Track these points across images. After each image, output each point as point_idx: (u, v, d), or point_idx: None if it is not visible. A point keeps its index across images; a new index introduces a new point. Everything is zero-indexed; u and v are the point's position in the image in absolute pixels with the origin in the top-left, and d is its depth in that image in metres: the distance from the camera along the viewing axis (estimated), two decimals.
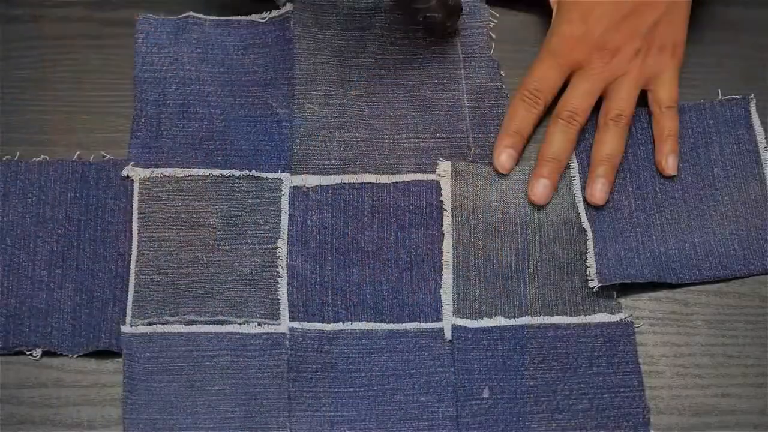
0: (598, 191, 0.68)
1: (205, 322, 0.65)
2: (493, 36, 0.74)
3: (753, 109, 0.71)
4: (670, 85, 0.70)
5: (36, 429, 0.63)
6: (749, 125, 0.71)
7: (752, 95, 0.71)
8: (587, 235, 0.67)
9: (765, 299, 0.66)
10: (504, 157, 0.69)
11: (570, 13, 0.69)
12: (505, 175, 0.69)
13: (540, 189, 0.68)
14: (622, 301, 0.66)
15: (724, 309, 0.66)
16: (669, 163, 0.69)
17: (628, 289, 0.66)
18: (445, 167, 0.69)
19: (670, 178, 0.69)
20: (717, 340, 0.65)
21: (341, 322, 0.65)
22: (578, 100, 0.69)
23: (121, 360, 0.64)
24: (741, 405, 0.64)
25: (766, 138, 0.70)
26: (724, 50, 0.73)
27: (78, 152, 0.69)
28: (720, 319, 0.66)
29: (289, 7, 0.73)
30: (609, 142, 0.68)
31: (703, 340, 0.65)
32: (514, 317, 0.66)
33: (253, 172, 0.68)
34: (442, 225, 0.68)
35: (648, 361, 0.65)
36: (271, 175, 0.68)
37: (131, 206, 0.67)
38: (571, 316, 0.66)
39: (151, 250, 0.66)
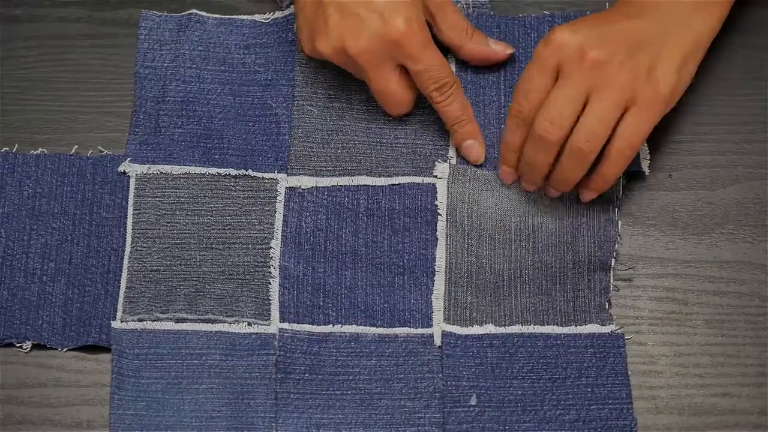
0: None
1: (196, 321, 0.63)
2: None
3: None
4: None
5: (36, 429, 0.61)
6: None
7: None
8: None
9: (765, 299, 0.63)
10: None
11: None
12: (501, 182, 0.65)
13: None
14: (622, 301, 0.63)
15: (724, 309, 0.63)
16: (585, 197, 0.63)
17: (627, 288, 0.64)
18: (442, 169, 0.65)
19: None
20: (717, 339, 0.63)
21: (331, 325, 0.63)
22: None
23: None
24: (741, 405, 0.61)
25: None
26: (724, 50, 0.69)
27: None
28: (720, 319, 0.63)
29: (292, 8, 0.69)
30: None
31: (703, 340, 0.63)
32: (505, 325, 0.63)
33: (250, 172, 0.66)
34: (436, 230, 0.65)
35: (648, 361, 0.62)
36: (267, 175, 0.66)
37: (126, 202, 0.65)
38: (561, 326, 0.63)
39: (144, 247, 0.64)
